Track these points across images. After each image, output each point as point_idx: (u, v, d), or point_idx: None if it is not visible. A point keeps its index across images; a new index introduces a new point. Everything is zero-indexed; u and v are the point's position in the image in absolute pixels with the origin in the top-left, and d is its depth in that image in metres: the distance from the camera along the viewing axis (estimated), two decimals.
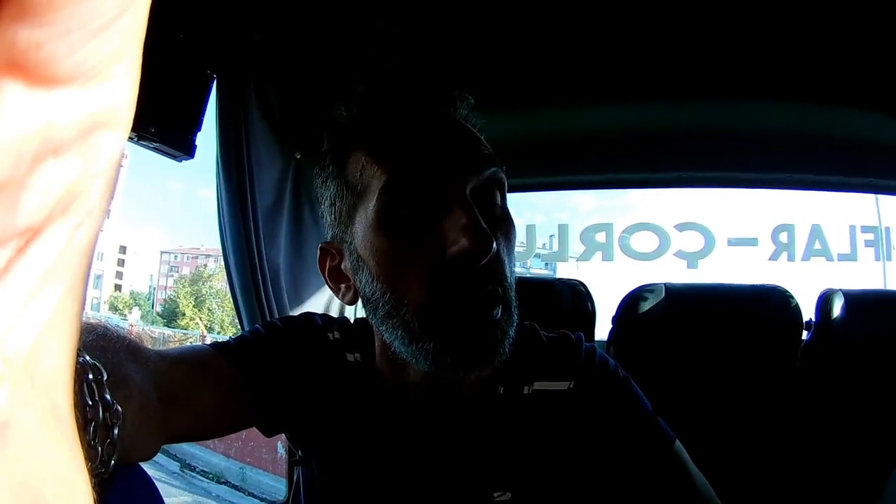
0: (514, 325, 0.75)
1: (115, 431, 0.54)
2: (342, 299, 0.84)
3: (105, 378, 0.53)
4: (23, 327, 0.17)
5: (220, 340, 0.87)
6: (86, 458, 0.21)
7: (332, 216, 0.83)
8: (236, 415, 0.81)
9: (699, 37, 1.44)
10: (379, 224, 0.73)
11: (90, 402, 0.52)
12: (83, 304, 0.20)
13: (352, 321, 0.94)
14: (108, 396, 0.53)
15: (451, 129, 0.78)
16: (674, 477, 0.81)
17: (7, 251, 0.16)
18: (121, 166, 0.20)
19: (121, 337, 0.67)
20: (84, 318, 0.23)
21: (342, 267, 0.83)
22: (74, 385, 0.21)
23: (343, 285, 0.84)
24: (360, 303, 0.82)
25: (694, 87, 1.63)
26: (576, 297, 1.54)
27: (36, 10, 0.14)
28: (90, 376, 0.52)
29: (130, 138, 1.16)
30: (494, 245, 0.70)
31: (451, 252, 0.70)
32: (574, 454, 0.82)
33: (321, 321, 0.91)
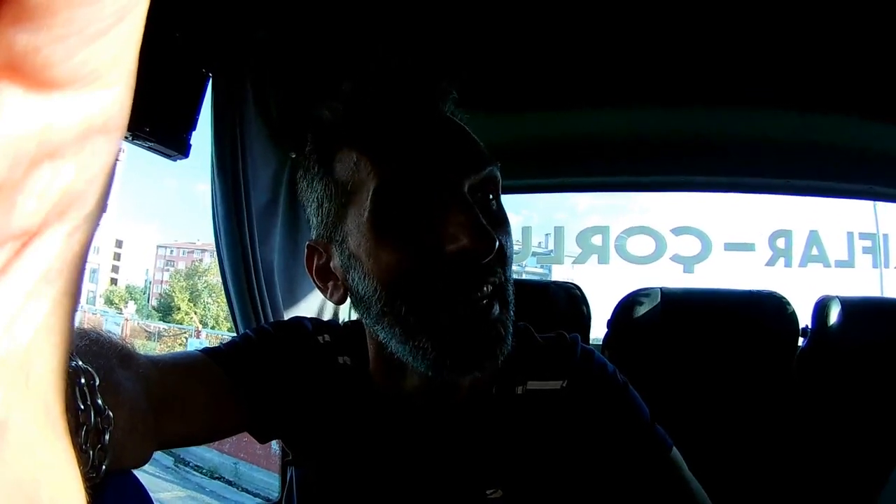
0: (512, 321, 0.75)
1: (107, 437, 0.54)
2: (330, 298, 0.84)
3: (97, 383, 0.53)
4: (18, 328, 0.18)
5: (211, 346, 0.86)
6: (78, 462, 0.22)
7: (320, 216, 0.81)
8: (228, 421, 0.81)
9: (699, 43, 1.45)
10: (374, 222, 0.72)
11: (82, 407, 0.52)
12: (77, 307, 0.20)
13: (342, 324, 0.94)
14: (99, 401, 0.53)
15: (446, 127, 0.78)
16: (669, 484, 0.80)
17: (4, 253, 0.17)
18: (117, 163, 0.20)
19: (112, 343, 0.67)
20: (77, 323, 0.23)
21: (331, 266, 0.82)
22: (67, 389, 0.21)
23: (331, 283, 0.83)
24: (351, 304, 0.82)
25: (694, 94, 1.64)
26: (571, 301, 1.54)
27: (35, 15, 0.14)
28: (82, 381, 0.52)
29: (125, 137, 1.16)
30: (498, 242, 0.70)
31: (449, 249, 0.69)
32: (567, 452, 0.82)
33: (311, 325, 0.91)
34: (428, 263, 0.71)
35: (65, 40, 0.15)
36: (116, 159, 0.19)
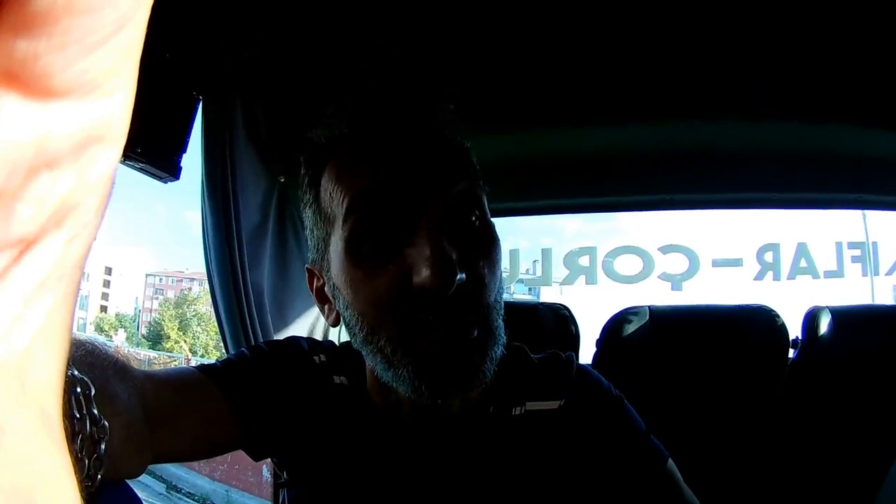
0: (499, 344, 0.74)
1: (102, 446, 0.54)
2: (326, 320, 0.84)
3: (93, 393, 0.54)
4: (16, 334, 0.18)
5: (206, 363, 0.86)
6: (74, 470, 0.21)
7: (312, 242, 0.83)
8: (222, 437, 0.81)
9: (681, 57, 1.46)
10: (347, 254, 0.72)
11: (78, 415, 0.52)
12: (74, 315, 0.20)
13: (338, 344, 0.94)
14: (95, 411, 0.53)
15: (415, 149, 0.75)
16: (666, 494, 0.80)
17: (2, 260, 0.17)
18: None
19: (109, 355, 0.67)
20: (73, 335, 0.23)
21: (325, 290, 0.82)
22: (63, 397, 0.21)
23: (327, 306, 0.83)
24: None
25: (678, 109, 1.64)
26: (559, 321, 1.54)
27: (34, 23, 0.14)
28: (78, 390, 0.53)
29: None
30: (462, 275, 0.68)
31: (415, 284, 0.68)
32: (566, 471, 0.82)
33: (307, 345, 0.91)
34: (400, 295, 0.70)
35: (64, 49, 0.15)
36: (115, 170, 0.19)
